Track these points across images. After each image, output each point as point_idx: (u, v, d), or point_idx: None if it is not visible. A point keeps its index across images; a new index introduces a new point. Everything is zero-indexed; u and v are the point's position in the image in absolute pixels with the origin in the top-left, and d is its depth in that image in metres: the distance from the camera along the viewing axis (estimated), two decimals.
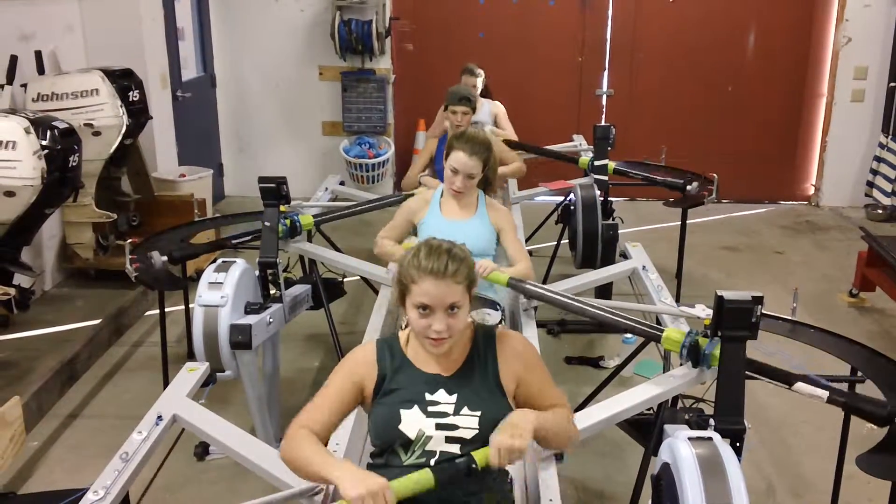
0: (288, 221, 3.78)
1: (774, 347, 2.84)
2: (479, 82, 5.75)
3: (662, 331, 2.76)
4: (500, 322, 3.21)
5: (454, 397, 2.07)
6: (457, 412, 2.05)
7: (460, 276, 2.02)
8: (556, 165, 5.76)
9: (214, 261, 3.35)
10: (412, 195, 3.94)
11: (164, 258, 3.75)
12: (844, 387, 2.76)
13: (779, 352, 2.82)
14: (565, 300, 3.14)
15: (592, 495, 3.33)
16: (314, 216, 4.06)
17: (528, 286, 3.22)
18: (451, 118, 4.72)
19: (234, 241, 4.02)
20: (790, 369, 2.63)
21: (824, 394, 2.52)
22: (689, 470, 2.02)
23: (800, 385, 2.55)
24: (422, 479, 1.89)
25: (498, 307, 3.27)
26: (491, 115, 5.70)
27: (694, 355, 2.62)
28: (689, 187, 5.01)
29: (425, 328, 2.03)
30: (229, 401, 3.87)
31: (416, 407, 2.05)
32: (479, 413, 2.05)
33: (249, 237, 3.99)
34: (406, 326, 2.23)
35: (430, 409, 2.05)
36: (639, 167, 5.45)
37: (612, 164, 5.09)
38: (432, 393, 2.08)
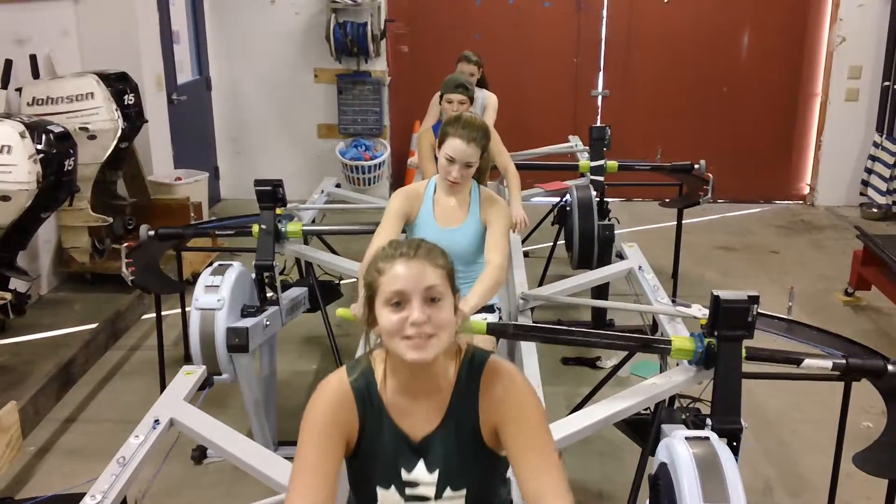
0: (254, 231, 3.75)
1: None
2: (477, 70, 5.39)
3: (669, 342, 2.63)
4: (499, 320, 3.16)
5: (435, 476, 1.74)
6: (439, 495, 1.75)
7: (439, 259, 1.69)
8: (552, 166, 5.76)
9: (211, 264, 3.35)
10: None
11: (151, 232, 3.82)
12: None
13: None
14: (552, 335, 2.89)
15: (590, 496, 3.33)
16: (305, 222, 4.02)
17: (511, 329, 2.89)
18: (447, 108, 4.33)
19: (217, 233, 4.03)
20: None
21: (829, 363, 2.56)
22: (686, 470, 2.03)
23: (808, 362, 2.57)
24: None
25: (495, 309, 3.21)
26: (482, 105, 5.55)
27: (710, 359, 2.55)
28: (696, 166, 5.13)
29: (400, 325, 1.63)
30: (226, 404, 3.86)
31: (392, 487, 1.75)
32: (463, 492, 1.75)
33: (232, 231, 4.00)
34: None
35: (408, 491, 1.75)
36: (638, 163, 5.48)
37: (613, 163, 5.10)
38: (409, 470, 1.75)
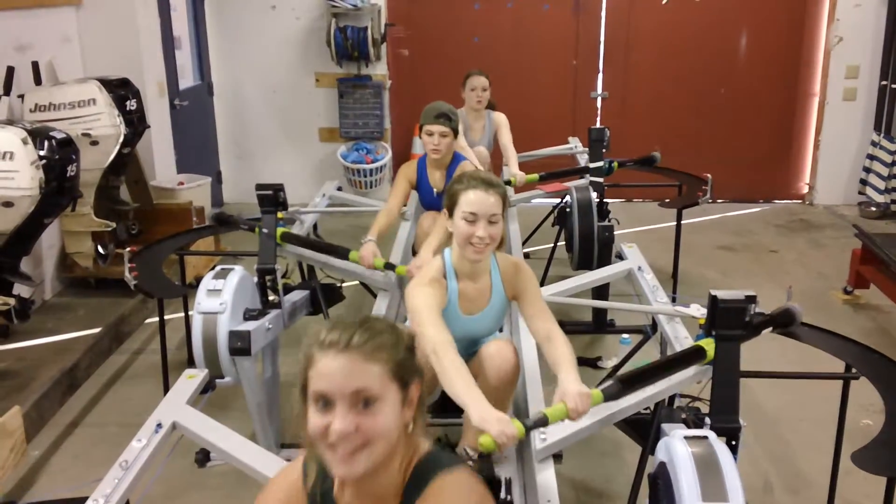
0: (256, 231, 3.77)
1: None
2: (488, 83, 5.43)
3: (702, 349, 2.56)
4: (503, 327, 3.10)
5: None
6: None
7: (377, 351, 1.44)
8: (553, 167, 5.78)
9: (213, 268, 3.37)
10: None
11: (218, 210, 3.88)
12: None
13: None
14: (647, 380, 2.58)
15: (591, 495, 3.35)
16: (307, 226, 4.04)
17: (621, 388, 2.43)
18: (427, 141, 3.98)
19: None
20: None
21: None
22: (686, 469, 2.04)
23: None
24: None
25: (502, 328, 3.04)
26: (493, 127, 5.53)
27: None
28: (654, 154, 5.32)
29: (323, 432, 1.43)
30: (229, 407, 3.89)
31: None
32: None
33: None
34: None
35: None
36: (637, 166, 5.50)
37: (615, 162, 5.14)
38: None
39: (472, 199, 2.49)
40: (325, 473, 1.55)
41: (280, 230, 3.83)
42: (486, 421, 2.07)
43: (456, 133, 4.04)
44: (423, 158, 4.26)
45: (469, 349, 2.75)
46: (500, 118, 5.51)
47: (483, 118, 5.52)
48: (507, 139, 5.44)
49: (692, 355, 2.57)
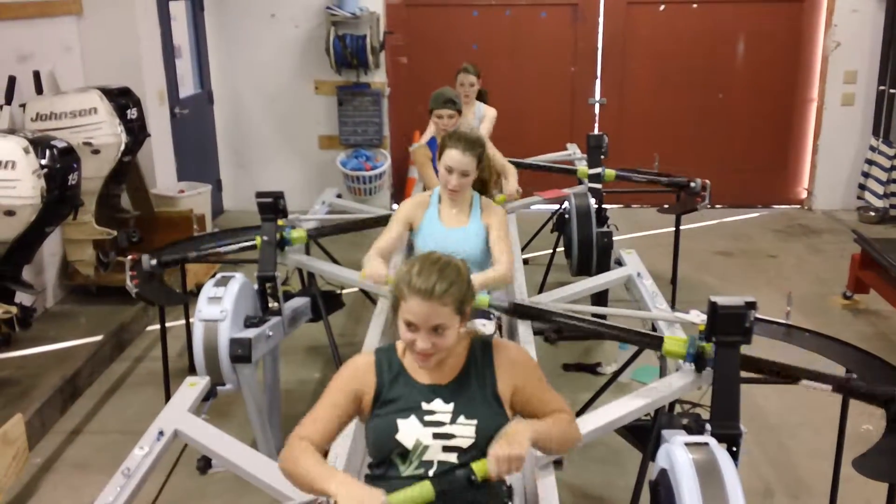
0: (279, 235, 3.79)
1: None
2: (477, 80, 5.51)
3: (662, 339, 2.77)
4: (496, 332, 3.23)
5: (451, 406, 2.06)
6: (453, 421, 2.04)
7: (449, 297, 1.98)
8: (551, 174, 5.80)
9: (214, 276, 3.38)
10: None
11: (154, 261, 3.82)
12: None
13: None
14: (546, 309, 3.20)
15: (592, 502, 3.36)
16: (310, 229, 4.08)
17: (506, 305, 3.20)
18: (437, 123, 4.57)
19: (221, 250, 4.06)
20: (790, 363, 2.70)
21: (828, 387, 2.60)
22: (686, 475, 2.05)
23: (805, 382, 2.60)
24: (421, 491, 1.89)
25: (492, 316, 3.24)
26: (480, 117, 5.62)
27: (700, 363, 2.65)
28: (692, 184, 5.18)
29: (411, 343, 2.02)
30: (230, 414, 3.89)
31: (413, 416, 2.04)
32: (475, 422, 2.04)
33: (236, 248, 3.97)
34: None
35: (426, 418, 2.04)
36: (634, 174, 5.50)
37: (611, 172, 5.13)
38: (429, 402, 2.06)
39: (451, 155, 3.21)
40: (390, 349, 2.17)
41: (302, 231, 3.94)
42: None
43: (460, 113, 4.60)
44: (433, 140, 4.57)
45: None
46: (489, 112, 5.53)
47: (472, 109, 5.55)
48: (483, 132, 5.35)
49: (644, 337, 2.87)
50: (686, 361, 2.69)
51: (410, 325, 2.00)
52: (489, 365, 2.13)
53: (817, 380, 2.61)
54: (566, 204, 5.05)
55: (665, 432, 2.50)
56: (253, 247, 3.78)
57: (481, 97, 5.60)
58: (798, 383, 2.64)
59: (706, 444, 2.18)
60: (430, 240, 3.28)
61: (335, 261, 4.45)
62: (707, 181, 5.09)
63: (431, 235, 3.30)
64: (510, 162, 4.81)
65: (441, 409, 2.06)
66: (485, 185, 3.50)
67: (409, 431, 2.03)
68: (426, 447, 2.02)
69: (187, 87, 6.94)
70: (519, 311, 3.25)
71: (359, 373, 2.12)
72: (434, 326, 1.99)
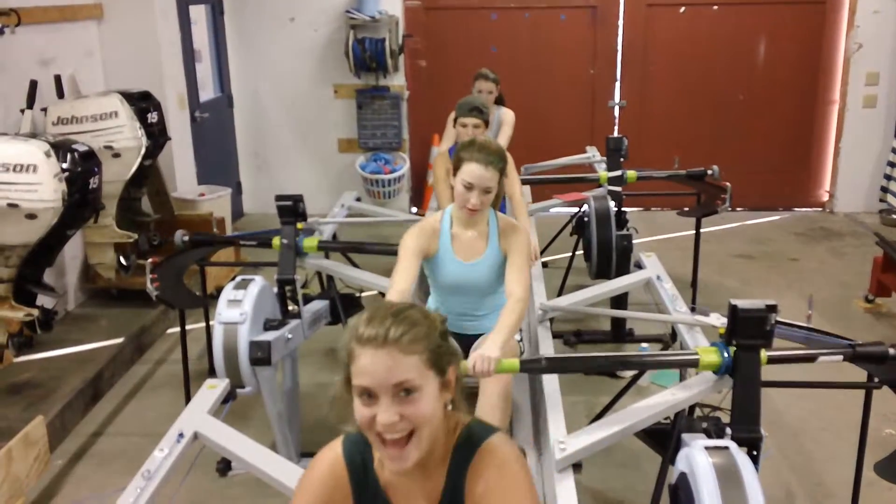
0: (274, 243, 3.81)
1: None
2: (495, 87, 5.44)
3: (696, 356, 2.58)
4: (520, 341, 3.14)
5: None
6: None
7: (413, 344, 1.48)
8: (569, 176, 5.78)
9: (233, 279, 3.40)
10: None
11: (185, 237, 3.95)
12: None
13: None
14: (585, 364, 3.04)
15: None
16: (321, 241, 4.06)
17: (543, 362, 2.69)
18: (461, 132, 4.22)
19: (241, 243, 4.20)
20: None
21: (839, 356, 2.61)
22: (707, 479, 2.03)
23: (822, 358, 2.61)
24: None
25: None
26: (498, 123, 5.52)
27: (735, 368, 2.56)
28: (709, 171, 5.15)
29: (370, 422, 1.48)
30: (250, 417, 3.91)
31: None
32: None
33: (255, 242, 4.09)
34: None
35: None
36: (654, 172, 5.48)
37: (633, 173, 5.10)
38: None
39: (471, 171, 2.83)
40: (364, 450, 1.63)
41: (314, 240, 3.90)
42: None
43: (487, 124, 4.27)
44: (453, 149, 4.27)
45: (471, 304, 2.93)
46: (507, 115, 5.45)
47: (491, 113, 5.49)
48: (503, 138, 5.37)
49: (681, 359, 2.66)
50: (719, 373, 2.57)
51: (366, 395, 1.49)
52: (462, 481, 1.59)
53: (831, 355, 2.62)
54: (585, 207, 5.03)
55: (685, 436, 2.49)
56: (271, 243, 3.84)
57: (499, 100, 5.55)
58: (816, 361, 2.61)
59: (726, 448, 2.15)
60: (447, 277, 2.98)
61: (354, 264, 4.45)
62: (727, 183, 5.05)
63: (447, 273, 2.96)
64: (524, 180, 4.60)
65: None
66: (496, 199, 3.01)
67: None
68: None
69: (207, 91, 6.99)
70: (556, 366, 2.85)
71: (331, 494, 1.62)
72: (398, 385, 1.47)
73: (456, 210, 2.97)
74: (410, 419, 1.47)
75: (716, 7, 7.48)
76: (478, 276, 2.97)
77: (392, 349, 1.46)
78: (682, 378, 3.29)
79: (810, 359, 2.63)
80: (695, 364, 2.57)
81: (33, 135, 4.17)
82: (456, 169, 2.90)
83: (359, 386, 1.48)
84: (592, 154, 6.22)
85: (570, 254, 5.36)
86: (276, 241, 3.75)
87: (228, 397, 3.05)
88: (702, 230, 5.31)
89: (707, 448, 2.14)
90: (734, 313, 2.46)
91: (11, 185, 3.84)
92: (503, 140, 5.34)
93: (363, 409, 1.48)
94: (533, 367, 2.76)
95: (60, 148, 4.02)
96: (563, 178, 5.76)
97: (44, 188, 3.89)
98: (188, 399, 3.62)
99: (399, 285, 2.76)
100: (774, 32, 7.49)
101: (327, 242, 4.11)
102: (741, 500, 1.98)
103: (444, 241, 2.98)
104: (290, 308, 3.56)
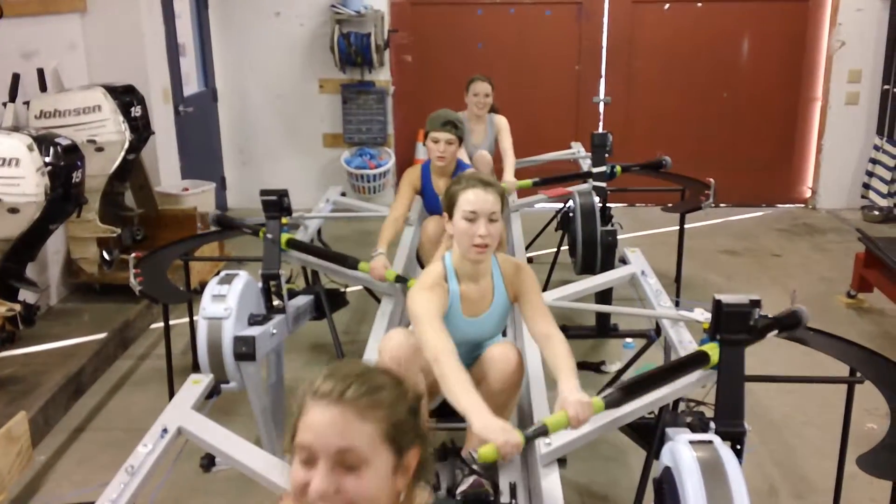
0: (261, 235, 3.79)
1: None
2: (491, 89, 5.42)
3: (706, 356, 2.53)
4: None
5: None
6: None
7: (371, 409, 1.30)
8: (555, 172, 5.78)
9: (218, 273, 3.38)
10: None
11: (218, 212, 3.99)
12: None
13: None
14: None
15: (596, 500, 3.35)
16: (290, 239, 3.99)
17: (621, 396, 2.40)
18: (432, 148, 4.00)
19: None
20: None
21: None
22: (691, 473, 2.05)
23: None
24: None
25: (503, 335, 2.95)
26: (494, 130, 5.52)
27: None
28: (663, 161, 5.41)
29: (303, 489, 1.29)
30: (234, 412, 3.89)
31: None
32: None
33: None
34: None
35: None
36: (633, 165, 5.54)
37: (619, 167, 5.15)
38: None
39: (471, 199, 2.51)
40: None
41: (285, 236, 3.84)
42: (489, 430, 2.06)
43: (461, 141, 4.09)
44: (427, 165, 4.28)
45: (472, 353, 2.75)
46: (502, 122, 5.51)
47: (484, 122, 5.53)
48: (507, 143, 5.44)
49: (695, 360, 2.57)
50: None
51: (305, 454, 1.30)
52: None
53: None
54: (570, 202, 5.04)
55: (669, 430, 2.50)
56: (261, 227, 3.81)
57: (492, 107, 5.56)
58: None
59: (710, 442, 2.17)
60: (454, 335, 2.47)
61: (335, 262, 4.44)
62: (711, 180, 5.08)
63: (453, 329, 2.52)
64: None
65: None
66: (499, 243, 2.83)
67: None
68: None
69: (191, 85, 6.95)
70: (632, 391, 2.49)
71: None
72: (342, 452, 1.27)
73: (458, 260, 2.62)
74: (349, 497, 1.26)
75: (700, 4, 7.51)
76: (486, 328, 2.73)
77: (346, 409, 1.28)
78: None
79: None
80: (707, 362, 2.52)
81: (16, 128, 4.14)
82: (451, 208, 2.57)
83: (300, 443, 1.30)
84: (577, 150, 6.23)
85: (555, 249, 5.37)
86: (262, 232, 3.75)
87: (213, 392, 3.04)
88: (686, 226, 5.33)
89: (691, 442, 2.15)
90: (718, 308, 2.47)
91: None
92: (506, 146, 5.39)
93: (299, 471, 1.29)
94: (613, 402, 2.39)
95: (43, 142, 3.99)
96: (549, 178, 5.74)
97: (26, 182, 3.86)
98: (172, 394, 3.61)
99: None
100: (758, 30, 7.53)
101: (297, 242, 3.95)
102: (725, 494, 2.00)
103: (453, 300, 2.62)
104: (274, 303, 3.55)
